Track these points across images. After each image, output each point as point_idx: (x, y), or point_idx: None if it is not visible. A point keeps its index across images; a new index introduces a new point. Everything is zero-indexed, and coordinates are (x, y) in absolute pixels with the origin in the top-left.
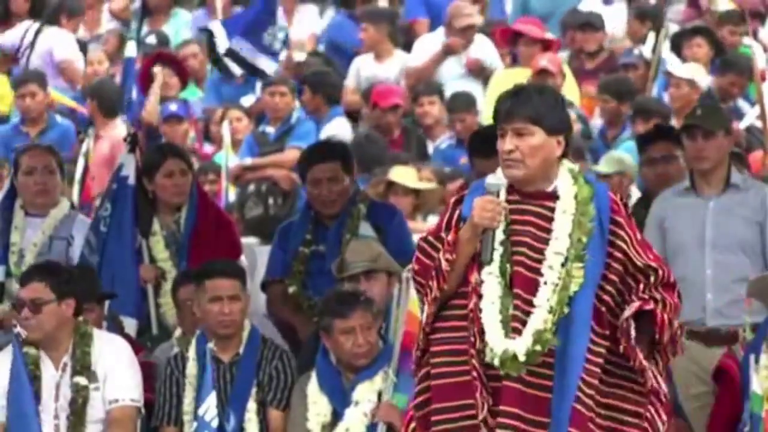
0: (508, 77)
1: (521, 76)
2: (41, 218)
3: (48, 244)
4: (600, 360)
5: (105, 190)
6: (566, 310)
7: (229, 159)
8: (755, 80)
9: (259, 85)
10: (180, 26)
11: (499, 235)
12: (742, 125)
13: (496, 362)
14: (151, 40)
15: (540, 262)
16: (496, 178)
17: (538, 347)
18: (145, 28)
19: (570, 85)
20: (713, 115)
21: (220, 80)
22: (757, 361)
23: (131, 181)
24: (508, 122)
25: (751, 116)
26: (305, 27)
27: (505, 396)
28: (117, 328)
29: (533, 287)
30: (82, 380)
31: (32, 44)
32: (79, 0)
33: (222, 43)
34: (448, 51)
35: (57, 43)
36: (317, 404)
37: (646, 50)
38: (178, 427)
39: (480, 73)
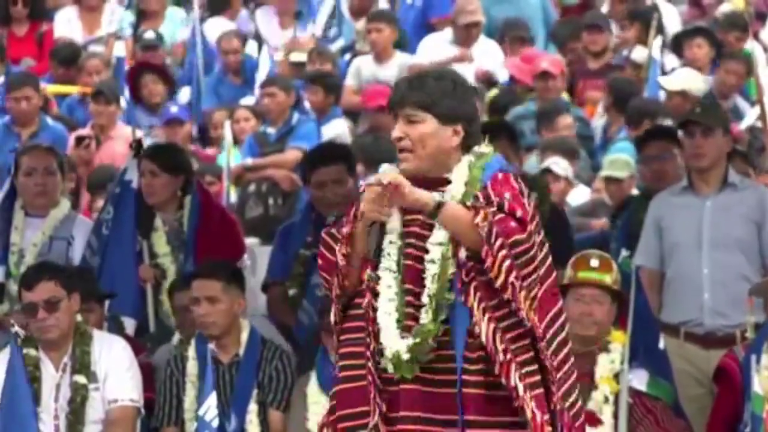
0: None
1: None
2: (41, 218)
3: (48, 244)
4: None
5: (108, 194)
6: (450, 296)
7: (230, 160)
8: (755, 80)
9: (257, 86)
10: (176, 25)
11: (396, 227)
12: (742, 125)
13: (390, 368)
14: (150, 35)
15: (427, 251)
16: (391, 168)
17: (418, 339)
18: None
19: None
20: (712, 112)
21: (218, 82)
22: (758, 361)
23: (134, 185)
24: (399, 108)
25: (751, 116)
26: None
27: (403, 400)
28: (117, 328)
29: (422, 281)
30: (81, 378)
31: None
32: None
33: None
34: (457, 61)
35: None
36: (317, 404)
37: (635, 53)
38: (179, 427)
39: (488, 82)
